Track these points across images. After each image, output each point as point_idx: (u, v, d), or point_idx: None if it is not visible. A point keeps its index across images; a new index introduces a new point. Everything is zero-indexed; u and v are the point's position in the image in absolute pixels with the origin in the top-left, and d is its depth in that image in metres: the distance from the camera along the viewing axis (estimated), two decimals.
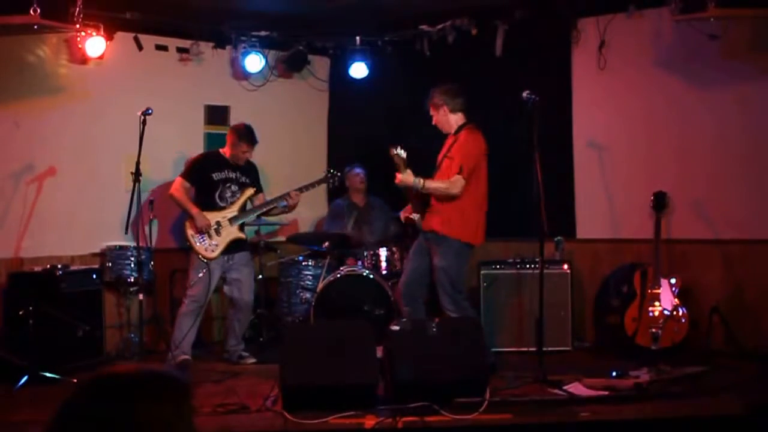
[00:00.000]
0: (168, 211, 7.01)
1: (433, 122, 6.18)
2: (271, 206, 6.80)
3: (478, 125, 6.11)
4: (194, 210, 6.53)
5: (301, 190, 6.78)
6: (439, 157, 6.11)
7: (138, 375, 1.56)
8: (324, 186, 7.79)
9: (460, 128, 6.09)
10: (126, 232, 6.34)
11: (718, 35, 6.51)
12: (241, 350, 6.77)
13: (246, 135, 6.73)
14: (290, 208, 6.82)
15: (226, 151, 6.77)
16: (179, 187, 6.63)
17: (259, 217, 6.89)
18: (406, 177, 5.90)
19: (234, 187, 6.71)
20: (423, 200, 6.08)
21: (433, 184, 5.97)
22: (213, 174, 6.65)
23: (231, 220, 6.61)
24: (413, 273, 6.15)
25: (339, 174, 7.14)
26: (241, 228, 6.72)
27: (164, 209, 6.97)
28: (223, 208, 6.63)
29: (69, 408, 1.51)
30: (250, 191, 6.77)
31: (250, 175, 6.84)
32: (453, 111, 6.10)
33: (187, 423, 1.57)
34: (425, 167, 6.10)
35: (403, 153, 5.89)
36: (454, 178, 5.89)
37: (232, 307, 6.76)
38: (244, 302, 6.70)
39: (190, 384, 1.63)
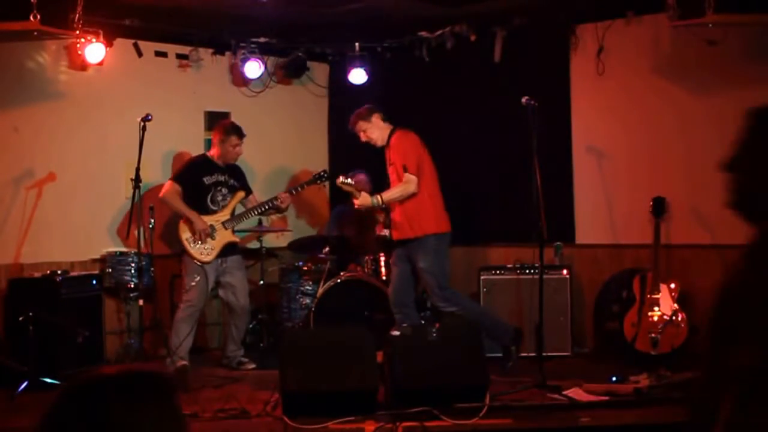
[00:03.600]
0: (168, 216, 7.01)
1: (365, 140, 6.38)
2: (263, 208, 6.76)
3: (404, 127, 6.31)
4: (193, 214, 6.48)
5: (291, 191, 6.81)
6: (388, 170, 6.31)
7: (118, 376, 1.53)
8: (327, 192, 7.76)
9: (389, 136, 6.31)
10: (126, 237, 6.33)
11: (716, 41, 6.52)
12: (241, 356, 6.77)
13: (234, 128, 6.72)
14: (282, 210, 6.83)
15: (213, 153, 6.74)
16: (172, 190, 6.54)
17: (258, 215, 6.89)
18: (363, 200, 6.16)
19: (224, 191, 6.68)
20: (388, 214, 6.29)
21: (390, 194, 6.18)
22: (204, 178, 6.61)
23: (225, 224, 6.60)
24: (399, 280, 6.33)
25: (327, 175, 7.08)
26: (234, 231, 6.71)
27: (164, 215, 6.97)
28: (215, 212, 6.61)
29: (53, 412, 1.50)
30: (240, 194, 6.75)
31: (238, 177, 6.80)
32: (383, 120, 6.33)
33: (173, 423, 1.53)
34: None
35: (349, 180, 6.16)
36: (405, 178, 6.11)
37: (229, 312, 6.76)
38: (240, 306, 6.69)
39: (175, 383, 1.60)
